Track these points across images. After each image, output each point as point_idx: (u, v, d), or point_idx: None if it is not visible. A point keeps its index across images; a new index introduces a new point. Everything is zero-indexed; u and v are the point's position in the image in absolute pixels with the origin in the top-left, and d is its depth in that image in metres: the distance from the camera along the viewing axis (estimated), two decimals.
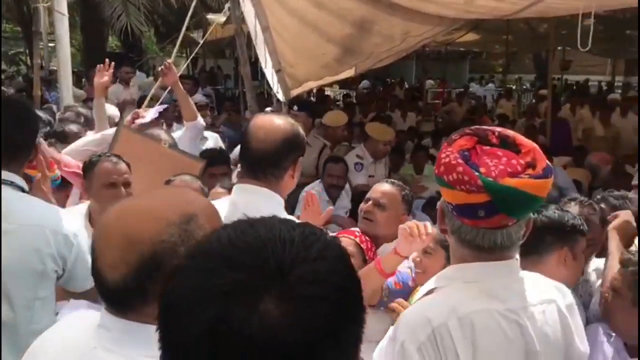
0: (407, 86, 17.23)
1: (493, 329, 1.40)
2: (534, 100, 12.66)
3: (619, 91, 14.00)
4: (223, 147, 4.98)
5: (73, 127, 4.31)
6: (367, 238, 2.64)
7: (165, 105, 4.23)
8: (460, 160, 1.39)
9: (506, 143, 1.43)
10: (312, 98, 12.50)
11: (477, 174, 1.36)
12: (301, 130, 2.02)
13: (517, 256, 1.52)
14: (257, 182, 1.94)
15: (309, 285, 0.68)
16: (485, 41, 13.92)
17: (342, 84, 14.03)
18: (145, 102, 5.01)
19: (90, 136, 3.78)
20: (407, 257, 2.27)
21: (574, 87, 17.27)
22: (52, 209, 2.13)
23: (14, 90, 10.05)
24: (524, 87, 18.45)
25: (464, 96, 14.42)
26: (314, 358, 0.67)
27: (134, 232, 1.05)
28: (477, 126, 1.48)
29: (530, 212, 1.46)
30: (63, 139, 4.07)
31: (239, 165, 4.53)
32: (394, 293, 2.37)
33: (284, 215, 1.90)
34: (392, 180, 2.96)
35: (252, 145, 1.94)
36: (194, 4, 4.96)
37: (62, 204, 3.33)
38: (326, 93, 13.50)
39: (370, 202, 2.72)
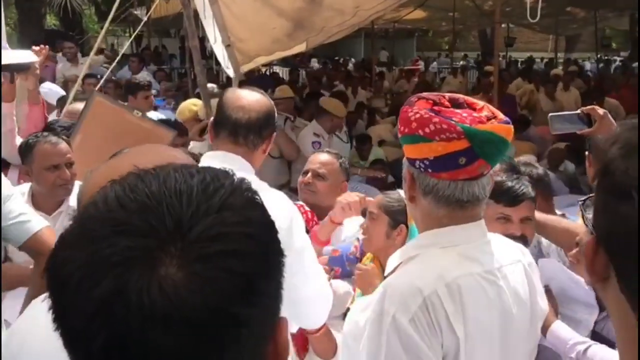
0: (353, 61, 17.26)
1: (477, 291, 1.41)
2: (477, 77, 12.88)
3: (561, 67, 14.43)
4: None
5: None
6: (307, 209, 2.68)
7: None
8: (432, 114, 1.39)
9: (458, 104, 1.46)
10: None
11: (453, 121, 1.36)
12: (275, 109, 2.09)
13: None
14: (237, 146, 1.96)
15: (214, 240, 0.60)
16: (432, 18, 14.08)
17: (289, 62, 13.92)
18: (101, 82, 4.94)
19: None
20: (340, 224, 2.42)
21: (519, 64, 17.68)
22: None
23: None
24: (470, 64, 18.77)
25: (412, 73, 14.58)
26: (230, 321, 0.60)
27: None
28: (428, 92, 1.50)
29: (501, 158, 1.49)
30: None
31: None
32: (331, 260, 2.42)
33: (252, 179, 1.91)
34: (328, 150, 3.05)
35: (236, 113, 1.97)
36: None
37: None
38: (275, 70, 13.38)
39: (309, 174, 2.79)
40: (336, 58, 18.04)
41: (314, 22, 5.52)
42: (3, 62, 3.63)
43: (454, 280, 1.39)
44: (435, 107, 1.43)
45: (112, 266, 0.58)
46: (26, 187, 2.81)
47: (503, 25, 13.86)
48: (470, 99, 1.48)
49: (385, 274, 1.60)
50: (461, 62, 17.33)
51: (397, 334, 1.34)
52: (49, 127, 3.44)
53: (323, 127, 5.10)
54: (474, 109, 1.44)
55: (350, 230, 2.56)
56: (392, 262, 1.56)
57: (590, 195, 0.98)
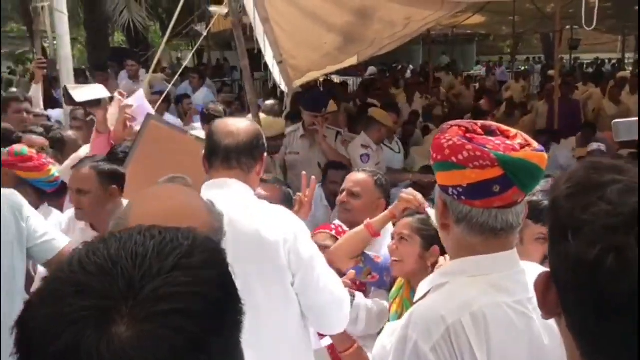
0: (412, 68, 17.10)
1: (504, 322, 1.38)
2: (540, 82, 12.49)
3: (630, 68, 13.79)
4: None
5: (71, 134, 4.30)
6: (344, 229, 2.69)
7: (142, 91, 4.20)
8: (465, 141, 1.38)
9: (491, 131, 1.45)
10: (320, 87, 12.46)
11: (486, 149, 1.36)
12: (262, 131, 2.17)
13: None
14: (230, 171, 2.03)
15: (160, 300, 0.63)
16: (491, 23, 13.79)
17: (347, 72, 13.93)
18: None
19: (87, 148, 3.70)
20: (398, 218, 2.39)
21: (585, 67, 17.06)
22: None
23: (21, 90, 10.10)
24: (533, 67, 18.26)
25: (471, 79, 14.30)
26: None
27: None
28: (459, 120, 1.50)
29: (536, 185, 1.47)
30: (60, 146, 4.07)
31: None
32: (370, 261, 2.43)
33: (253, 200, 2.01)
34: (364, 168, 3.05)
35: (226, 139, 2.05)
36: None
37: (60, 208, 3.36)
38: (330, 78, 13.39)
39: (344, 193, 2.84)
40: (394, 65, 17.93)
41: (364, 36, 5.55)
42: (80, 100, 3.90)
43: (480, 309, 1.36)
44: (468, 135, 1.42)
45: (68, 324, 0.62)
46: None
47: (567, 27, 13.42)
48: (503, 127, 1.47)
49: (415, 299, 1.60)
50: (522, 67, 16.83)
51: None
52: (112, 152, 3.61)
53: (371, 137, 5.04)
54: (507, 137, 1.43)
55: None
56: (421, 288, 1.55)
57: None
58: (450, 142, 1.39)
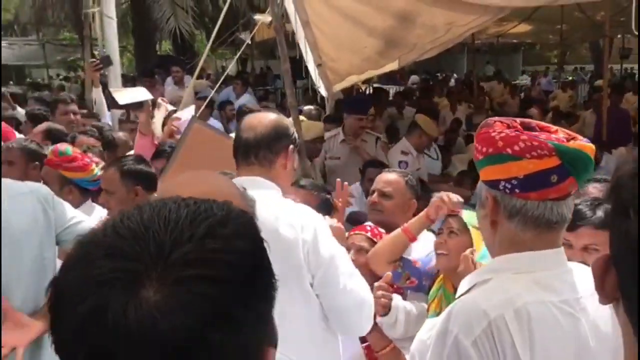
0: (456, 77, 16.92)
1: (549, 320, 1.34)
2: (588, 92, 12.17)
3: None
4: None
5: (122, 135, 4.39)
6: (379, 231, 2.65)
7: (193, 108, 4.30)
8: (518, 132, 1.36)
9: (530, 127, 1.42)
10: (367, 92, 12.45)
11: (542, 137, 1.34)
12: (290, 124, 2.10)
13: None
14: (252, 168, 1.98)
15: (190, 265, 0.63)
16: (538, 31, 13.52)
17: (389, 79, 13.89)
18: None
19: None
20: (433, 221, 2.37)
21: (636, 77, 16.54)
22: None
23: (73, 96, 10.42)
24: (581, 77, 17.82)
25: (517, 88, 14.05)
26: (202, 345, 0.62)
27: None
28: (497, 117, 1.46)
29: (588, 177, 1.45)
30: (112, 147, 4.16)
31: None
32: (409, 266, 2.39)
33: (279, 198, 1.95)
34: (394, 169, 3.03)
35: (244, 134, 2.02)
36: (227, 4, 4.99)
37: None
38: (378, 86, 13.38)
39: (375, 194, 2.81)
40: (437, 74, 17.79)
41: (405, 40, 5.52)
42: (123, 102, 4.00)
43: (524, 306, 1.32)
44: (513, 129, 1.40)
45: (96, 285, 0.62)
46: None
47: (619, 36, 13.06)
48: (542, 124, 1.44)
49: (457, 296, 1.56)
50: (570, 77, 16.43)
51: (457, 355, 1.31)
52: (158, 150, 3.72)
53: (412, 143, 5.00)
54: (549, 132, 1.40)
55: (420, 251, 2.52)
56: (463, 285, 1.51)
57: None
58: (503, 134, 1.37)
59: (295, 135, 2.11)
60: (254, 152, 1.99)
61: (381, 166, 4.18)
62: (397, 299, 2.34)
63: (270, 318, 0.72)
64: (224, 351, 0.63)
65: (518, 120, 1.44)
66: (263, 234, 0.74)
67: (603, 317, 1.39)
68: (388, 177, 2.84)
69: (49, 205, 2.18)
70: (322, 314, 1.93)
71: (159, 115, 4.28)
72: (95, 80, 5.51)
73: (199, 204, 0.71)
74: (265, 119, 2.04)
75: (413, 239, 2.42)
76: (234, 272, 0.65)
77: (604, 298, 0.81)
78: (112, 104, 5.29)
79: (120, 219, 0.69)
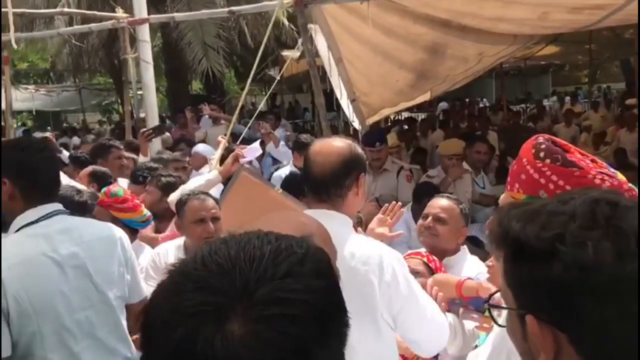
0: (487, 104, 16.82)
1: None
2: (620, 110, 12.00)
3: None
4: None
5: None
6: (434, 258, 2.66)
7: (258, 143, 4.36)
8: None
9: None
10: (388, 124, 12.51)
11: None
12: (359, 149, 2.03)
13: None
14: (323, 204, 1.96)
15: (273, 304, 0.68)
16: (566, 52, 13.44)
17: (419, 108, 13.92)
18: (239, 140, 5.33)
19: (195, 181, 3.83)
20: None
21: None
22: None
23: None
24: (612, 96, 17.59)
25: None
26: None
27: None
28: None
29: None
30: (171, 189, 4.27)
31: None
32: (474, 302, 2.34)
33: (350, 234, 1.94)
34: (447, 194, 3.07)
35: (313, 170, 1.97)
36: (265, 40, 5.11)
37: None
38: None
39: (430, 218, 2.82)
40: (466, 99, 17.75)
41: (437, 72, 5.57)
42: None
43: None
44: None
45: (187, 317, 0.68)
46: (181, 240, 3.12)
47: None
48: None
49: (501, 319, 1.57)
50: (595, 98, 16.10)
51: None
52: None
53: (442, 167, 5.03)
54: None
55: (467, 271, 2.55)
56: None
57: None
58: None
59: (364, 158, 2.05)
60: (325, 191, 1.95)
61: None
62: (452, 316, 2.34)
63: (341, 354, 0.76)
64: None
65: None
66: (340, 272, 0.79)
67: None
68: (443, 203, 2.87)
69: (125, 248, 2.32)
70: (394, 349, 1.96)
71: (218, 151, 4.36)
72: (144, 149, 5.40)
73: (280, 240, 0.76)
74: (332, 152, 1.97)
75: (462, 297, 2.34)
76: (311, 310, 0.70)
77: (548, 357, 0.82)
78: None
79: (208, 252, 0.74)
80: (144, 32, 6.47)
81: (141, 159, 5.28)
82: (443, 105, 16.49)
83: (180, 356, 0.67)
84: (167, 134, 8.89)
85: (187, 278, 0.72)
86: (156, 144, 6.28)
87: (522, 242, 0.81)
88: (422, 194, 4.19)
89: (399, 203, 2.63)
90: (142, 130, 5.62)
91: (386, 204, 2.67)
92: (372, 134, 5.35)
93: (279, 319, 0.68)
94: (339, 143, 2.01)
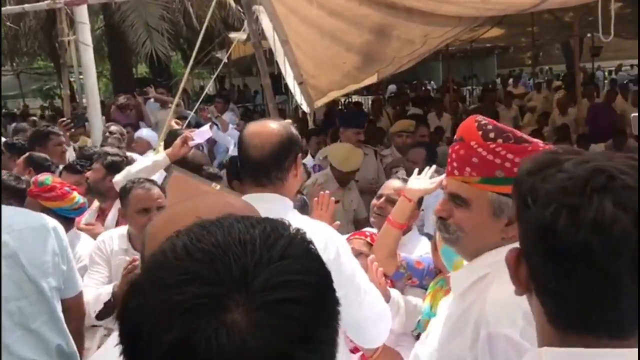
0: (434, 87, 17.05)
1: None
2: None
3: None
4: None
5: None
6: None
7: (208, 126, 4.26)
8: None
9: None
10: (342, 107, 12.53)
11: None
12: (294, 129, 2.00)
13: None
14: (263, 188, 1.93)
15: (274, 288, 0.63)
16: (510, 35, 13.74)
17: (368, 90, 13.99)
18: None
19: (141, 162, 3.70)
20: (411, 200, 2.42)
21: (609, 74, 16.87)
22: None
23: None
24: (550, 78, 18.14)
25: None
26: None
27: None
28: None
29: None
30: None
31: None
32: (412, 268, 2.43)
33: (293, 216, 1.92)
34: (402, 177, 3.08)
35: (252, 154, 1.92)
36: (206, 20, 5.01)
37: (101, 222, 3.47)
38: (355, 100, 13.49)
39: (383, 199, 2.83)
40: (414, 82, 17.95)
41: (383, 54, 5.59)
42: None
43: None
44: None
45: (181, 313, 0.61)
46: (124, 228, 3.03)
47: (589, 35, 13.31)
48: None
49: (455, 294, 1.56)
50: (540, 79, 16.61)
51: (514, 351, 1.28)
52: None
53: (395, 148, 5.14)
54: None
55: (420, 251, 2.59)
56: (459, 282, 1.53)
57: None
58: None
59: (300, 138, 2.02)
60: (265, 174, 1.91)
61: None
62: (394, 293, 2.37)
63: (337, 335, 0.72)
64: None
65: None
66: None
67: None
68: (397, 185, 2.84)
69: (61, 238, 2.26)
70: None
71: (162, 134, 4.26)
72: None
73: (263, 223, 0.71)
74: (270, 134, 1.93)
75: (399, 225, 2.44)
76: (313, 293, 0.66)
77: (518, 287, 0.89)
78: None
79: (189, 241, 0.67)
80: (83, 14, 6.26)
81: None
82: (392, 88, 16.64)
83: (178, 358, 0.61)
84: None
85: (171, 271, 0.64)
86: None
87: (524, 190, 0.85)
88: None
89: (328, 192, 2.65)
90: (60, 120, 5.52)
91: (315, 198, 2.68)
92: (355, 116, 5.36)
93: (282, 303, 0.63)
94: (274, 125, 1.97)
